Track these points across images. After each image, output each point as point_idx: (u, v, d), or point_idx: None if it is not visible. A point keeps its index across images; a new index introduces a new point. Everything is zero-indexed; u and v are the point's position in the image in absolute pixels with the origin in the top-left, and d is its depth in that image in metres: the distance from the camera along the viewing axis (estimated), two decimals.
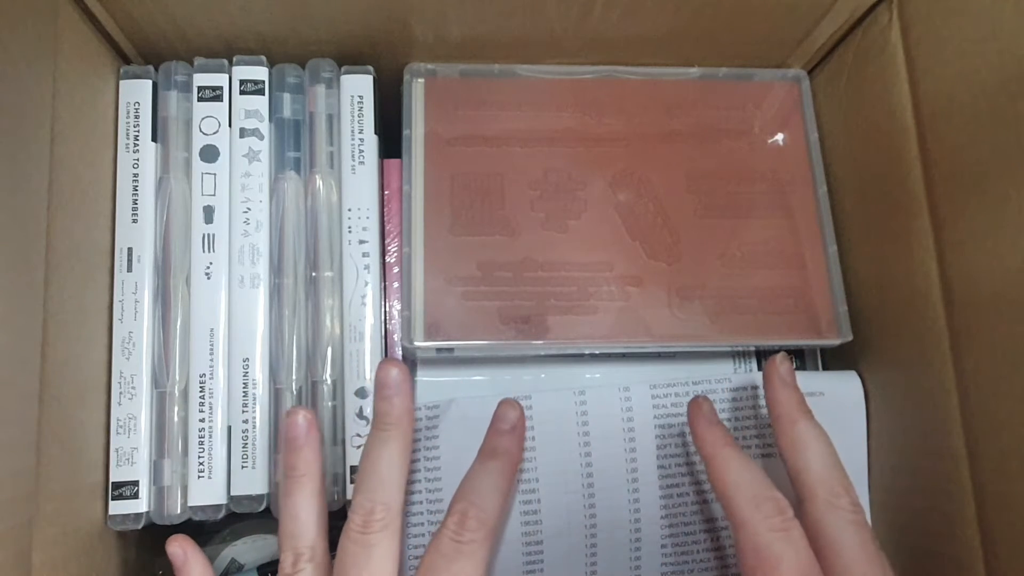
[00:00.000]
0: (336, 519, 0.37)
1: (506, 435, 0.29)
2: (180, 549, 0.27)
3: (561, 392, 0.33)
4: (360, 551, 0.24)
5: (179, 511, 0.31)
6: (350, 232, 0.33)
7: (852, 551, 0.24)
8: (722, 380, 0.34)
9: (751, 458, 0.28)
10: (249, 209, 0.32)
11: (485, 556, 0.25)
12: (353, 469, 0.31)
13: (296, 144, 0.33)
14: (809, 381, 0.34)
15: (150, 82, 0.33)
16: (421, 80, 0.35)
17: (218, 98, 0.33)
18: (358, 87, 0.34)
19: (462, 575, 0.24)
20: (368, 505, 0.25)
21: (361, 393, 0.32)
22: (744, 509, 0.25)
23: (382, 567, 0.24)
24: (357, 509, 0.25)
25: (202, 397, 0.31)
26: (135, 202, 0.32)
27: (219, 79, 0.33)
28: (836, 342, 0.33)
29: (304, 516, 0.26)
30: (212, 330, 0.31)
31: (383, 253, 0.34)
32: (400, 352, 0.33)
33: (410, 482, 0.31)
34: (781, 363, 0.29)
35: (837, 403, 0.33)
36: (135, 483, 0.30)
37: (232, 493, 0.31)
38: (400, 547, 0.25)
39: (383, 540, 0.24)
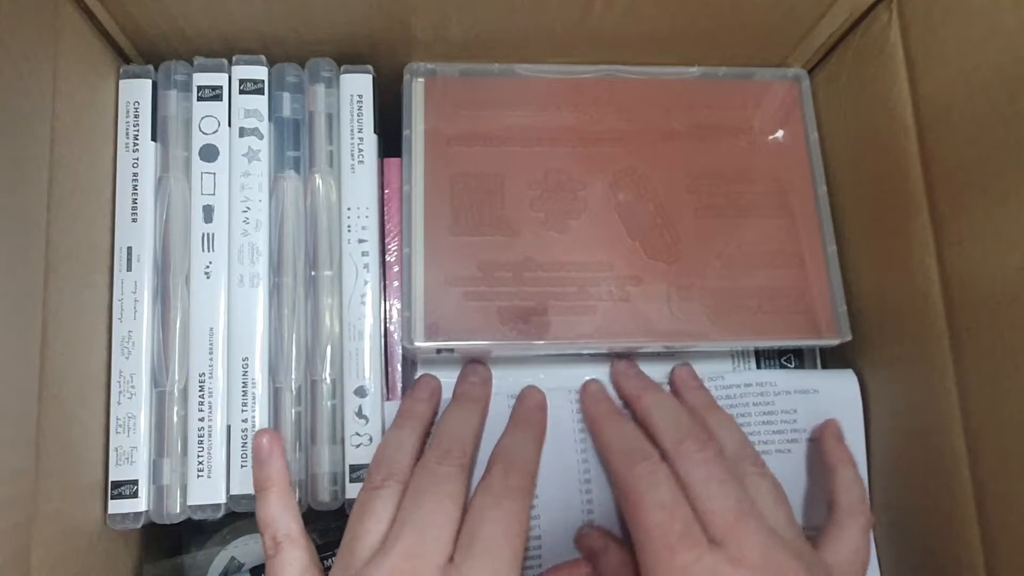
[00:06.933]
0: (336, 519, 0.38)
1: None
2: (267, 443, 0.29)
3: (560, 392, 0.33)
4: (435, 479, 0.27)
5: (178, 510, 0.31)
6: (349, 231, 0.33)
7: (701, 485, 0.27)
8: (721, 379, 0.34)
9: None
10: (249, 208, 0.32)
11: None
12: (353, 468, 0.31)
13: (296, 143, 0.33)
14: (804, 379, 0.34)
15: (150, 81, 0.33)
16: (421, 80, 0.35)
17: (218, 97, 0.33)
18: (358, 87, 0.34)
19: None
20: (446, 445, 0.28)
21: (360, 392, 0.32)
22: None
23: (456, 490, 0.26)
24: (434, 449, 0.28)
25: (201, 396, 0.31)
26: (135, 201, 0.32)
27: (219, 79, 0.33)
28: (836, 342, 0.33)
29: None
30: (212, 329, 0.31)
31: (383, 253, 0.34)
32: (400, 352, 0.33)
33: None
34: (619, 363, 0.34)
35: (832, 400, 0.34)
36: (134, 482, 0.30)
37: (231, 492, 0.31)
38: (468, 487, 0.27)
39: (457, 473, 0.27)
